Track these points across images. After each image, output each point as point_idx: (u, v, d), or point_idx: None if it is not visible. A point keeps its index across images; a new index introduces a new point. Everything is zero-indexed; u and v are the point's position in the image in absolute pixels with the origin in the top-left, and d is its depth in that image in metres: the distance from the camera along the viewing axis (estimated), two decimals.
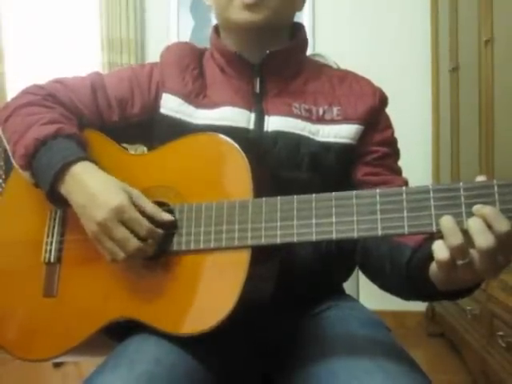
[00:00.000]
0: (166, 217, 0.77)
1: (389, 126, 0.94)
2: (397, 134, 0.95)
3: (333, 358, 0.73)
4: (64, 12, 3.07)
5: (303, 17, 2.86)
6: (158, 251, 0.77)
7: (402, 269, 0.75)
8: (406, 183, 0.91)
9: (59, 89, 0.92)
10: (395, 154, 0.94)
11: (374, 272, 0.87)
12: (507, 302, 1.66)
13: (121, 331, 0.79)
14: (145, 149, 1.01)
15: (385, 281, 0.84)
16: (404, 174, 0.93)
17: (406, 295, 0.80)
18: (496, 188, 0.61)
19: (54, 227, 0.88)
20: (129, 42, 2.98)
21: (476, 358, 1.94)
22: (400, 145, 0.95)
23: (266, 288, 0.76)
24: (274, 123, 0.88)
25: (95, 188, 0.77)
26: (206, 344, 0.74)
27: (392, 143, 0.94)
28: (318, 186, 0.86)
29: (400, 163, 0.95)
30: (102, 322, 0.79)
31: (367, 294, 1.23)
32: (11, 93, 2.94)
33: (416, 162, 2.67)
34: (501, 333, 1.70)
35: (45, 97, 0.90)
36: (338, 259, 0.89)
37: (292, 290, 0.81)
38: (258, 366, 0.86)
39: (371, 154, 0.90)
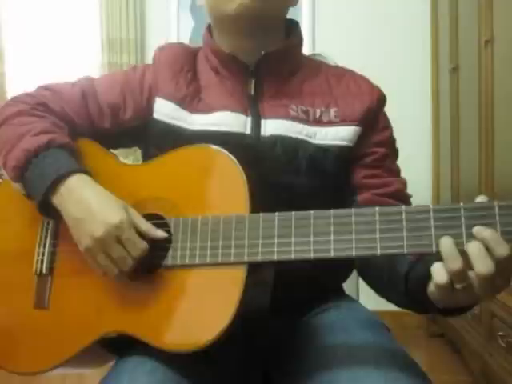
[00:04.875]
0: (160, 233, 0.76)
1: (387, 125, 0.93)
2: (396, 135, 0.94)
3: (333, 360, 0.73)
4: (64, 12, 3.07)
5: (303, 17, 2.86)
6: (152, 265, 0.76)
7: (400, 281, 0.75)
8: (404, 184, 0.91)
9: (49, 97, 0.90)
10: (394, 154, 0.93)
11: (372, 280, 0.87)
12: (507, 302, 1.66)
13: (116, 344, 0.78)
14: (139, 151, 1.00)
15: (382, 289, 0.84)
16: (403, 175, 0.93)
17: (403, 306, 0.79)
18: (497, 209, 0.60)
19: (46, 238, 0.86)
20: (129, 42, 2.98)
21: (476, 358, 1.94)
22: (400, 145, 0.95)
23: (262, 298, 0.75)
24: (271, 127, 0.86)
25: (93, 202, 0.76)
26: (203, 363, 0.74)
27: (390, 143, 0.93)
28: (316, 191, 0.86)
29: (399, 163, 0.94)
30: (94, 335, 0.78)
31: (367, 294, 1.23)
32: (11, 93, 2.94)
33: (416, 162, 2.67)
34: (501, 333, 1.70)
35: (35, 106, 0.88)
36: (337, 259, 0.89)
37: (291, 291, 0.80)
38: (258, 369, 0.86)
39: (370, 155, 0.89)
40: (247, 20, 0.85)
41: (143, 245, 0.75)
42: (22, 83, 2.97)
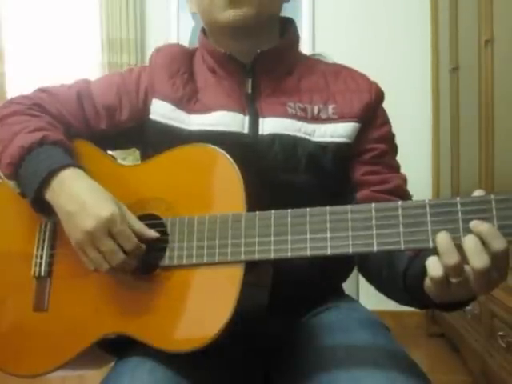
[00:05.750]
0: (153, 233, 0.76)
1: (386, 121, 0.92)
2: (397, 134, 0.94)
3: (332, 360, 0.73)
4: (64, 12, 3.07)
5: (303, 17, 2.87)
6: (149, 266, 0.76)
7: (399, 277, 0.75)
8: (404, 180, 0.90)
9: (45, 99, 0.90)
10: (393, 150, 0.93)
11: (371, 275, 0.87)
12: (507, 302, 1.66)
13: (115, 345, 0.78)
14: (138, 152, 1.00)
15: (382, 285, 0.84)
16: (403, 173, 0.93)
17: (403, 302, 0.79)
18: (494, 203, 0.60)
19: (43, 240, 0.85)
20: (129, 42, 2.98)
21: (476, 358, 1.94)
22: (400, 145, 0.94)
23: (260, 297, 0.75)
24: (269, 125, 0.86)
25: (85, 196, 0.76)
26: (203, 363, 0.74)
27: (389, 139, 0.92)
28: (315, 189, 0.86)
29: (400, 163, 0.94)
30: (94, 337, 0.78)
31: (367, 294, 1.23)
32: (11, 93, 2.94)
33: (416, 162, 2.67)
34: (501, 333, 1.70)
35: (31, 106, 0.88)
36: (336, 259, 0.89)
37: (290, 291, 0.80)
38: (258, 369, 0.86)
39: (369, 152, 0.89)
40: (242, 28, 0.86)
41: (136, 239, 0.74)
42: (21, 83, 2.97)
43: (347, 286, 1.00)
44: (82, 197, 0.76)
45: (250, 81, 0.90)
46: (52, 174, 0.78)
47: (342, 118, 0.88)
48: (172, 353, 0.71)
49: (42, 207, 0.80)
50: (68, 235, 0.77)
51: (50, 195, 0.78)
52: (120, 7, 2.97)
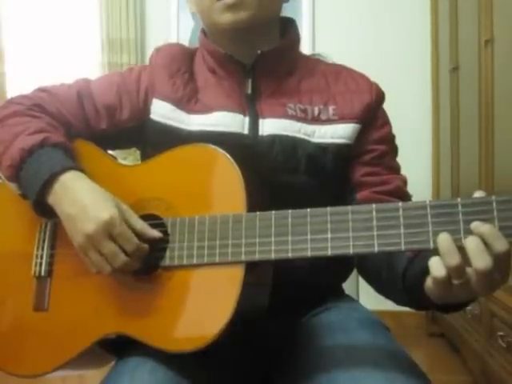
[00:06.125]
0: (155, 233, 0.76)
1: (386, 122, 0.92)
2: (397, 134, 0.94)
3: (332, 361, 0.73)
4: (64, 12, 3.07)
5: (303, 17, 2.87)
6: (150, 266, 0.76)
7: (398, 277, 0.75)
8: (404, 181, 0.90)
9: (45, 98, 0.90)
10: (393, 151, 0.93)
11: (370, 275, 0.87)
12: (507, 302, 1.66)
13: (115, 345, 0.79)
14: (138, 152, 1.00)
15: (381, 286, 0.84)
16: (403, 174, 0.93)
17: (402, 303, 0.79)
18: (495, 204, 0.60)
19: (44, 240, 0.85)
20: (129, 42, 2.98)
21: (476, 358, 1.94)
22: (400, 145, 0.94)
23: (261, 298, 0.75)
24: (269, 126, 0.86)
25: (86, 199, 0.76)
26: (203, 363, 0.74)
27: (390, 140, 0.92)
28: (315, 189, 0.86)
29: (400, 163, 0.94)
30: (94, 337, 0.78)
31: (367, 294, 1.23)
32: (11, 93, 2.94)
33: (416, 162, 2.67)
34: (501, 333, 1.70)
35: (31, 107, 0.88)
36: (336, 260, 0.89)
37: (290, 291, 0.80)
38: (258, 370, 0.86)
39: (369, 153, 0.89)
40: (242, 31, 0.86)
41: (137, 240, 0.74)
42: (21, 83, 2.97)
43: (347, 286, 1.00)
44: (82, 199, 0.76)
45: (249, 81, 0.90)
46: (54, 176, 0.78)
47: (342, 119, 0.88)
48: (172, 353, 0.71)
49: (44, 210, 0.80)
50: (71, 238, 0.78)
51: (53, 198, 0.78)
52: (120, 7, 2.97)
